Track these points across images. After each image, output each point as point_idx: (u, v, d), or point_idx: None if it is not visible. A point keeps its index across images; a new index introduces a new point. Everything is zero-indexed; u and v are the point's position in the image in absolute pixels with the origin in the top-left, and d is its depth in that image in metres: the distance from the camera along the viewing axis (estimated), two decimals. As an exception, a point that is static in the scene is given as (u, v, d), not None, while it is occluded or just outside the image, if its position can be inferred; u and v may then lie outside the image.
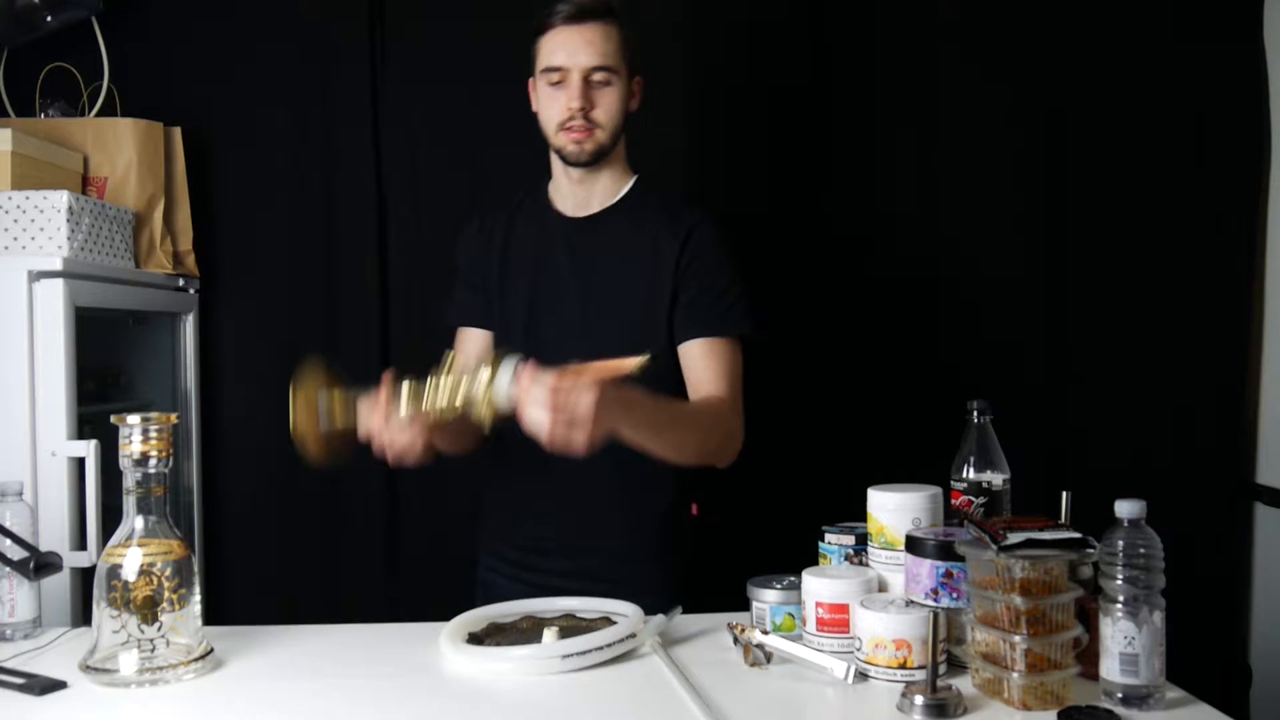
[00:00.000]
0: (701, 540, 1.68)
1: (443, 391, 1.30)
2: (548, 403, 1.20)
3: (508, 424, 1.33)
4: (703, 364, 1.56)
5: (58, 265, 1.71)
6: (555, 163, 1.65)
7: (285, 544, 2.24)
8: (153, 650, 1.23)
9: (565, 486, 1.57)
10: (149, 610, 1.22)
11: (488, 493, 1.73)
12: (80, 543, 1.68)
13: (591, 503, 1.59)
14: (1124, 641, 1.11)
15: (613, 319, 1.61)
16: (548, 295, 1.64)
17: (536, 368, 1.24)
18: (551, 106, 1.58)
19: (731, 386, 1.55)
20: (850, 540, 1.38)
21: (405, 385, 1.32)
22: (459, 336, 1.71)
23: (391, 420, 1.33)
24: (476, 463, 1.79)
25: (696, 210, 1.65)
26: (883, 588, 1.30)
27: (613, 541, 1.59)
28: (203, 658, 1.26)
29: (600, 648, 1.25)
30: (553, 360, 1.55)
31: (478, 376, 1.29)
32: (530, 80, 1.63)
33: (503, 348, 1.45)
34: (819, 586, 1.27)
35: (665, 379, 1.66)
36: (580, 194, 1.65)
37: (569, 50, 1.54)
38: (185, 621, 1.26)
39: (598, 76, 1.55)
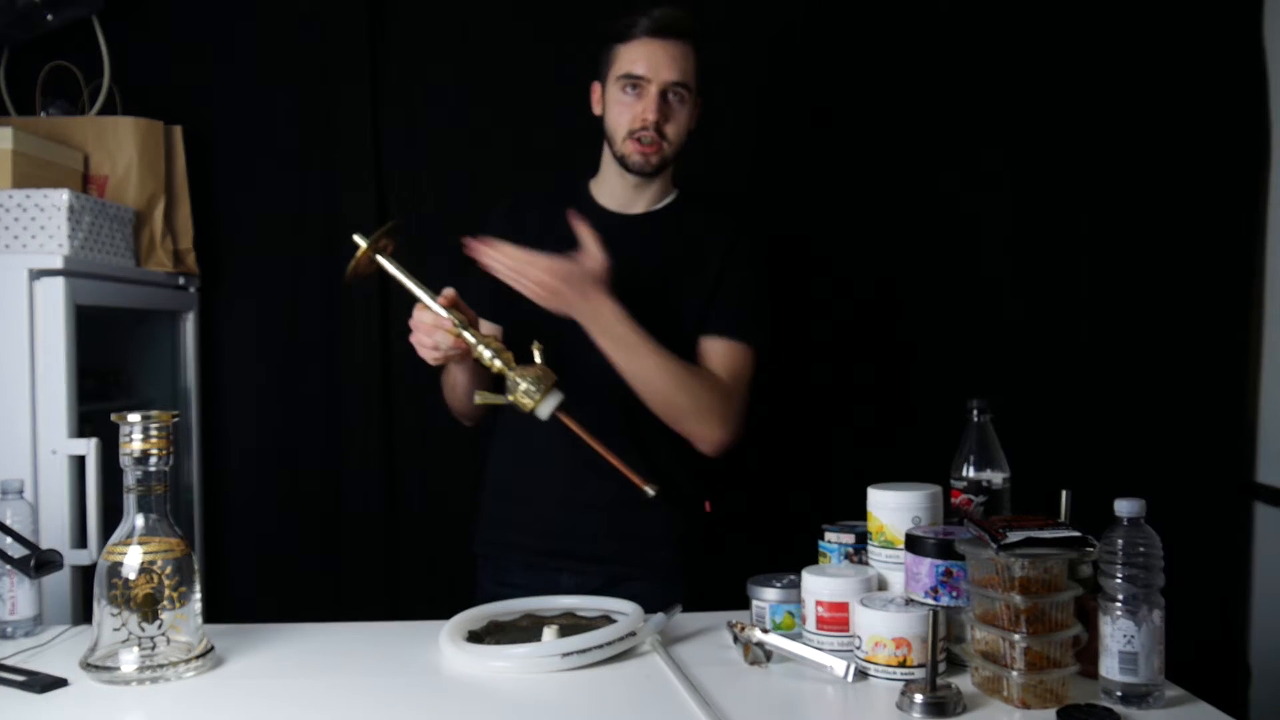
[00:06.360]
0: (708, 537, 1.69)
1: (493, 354, 1.43)
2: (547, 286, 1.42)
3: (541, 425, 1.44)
4: (714, 358, 1.62)
5: (58, 264, 1.71)
6: (608, 162, 1.67)
7: (285, 542, 2.24)
8: (153, 648, 1.23)
9: (596, 485, 1.59)
10: (149, 608, 1.23)
11: (505, 493, 1.71)
12: (81, 541, 1.68)
13: (618, 500, 1.59)
14: (1123, 640, 1.11)
15: (647, 321, 1.61)
16: None
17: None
18: (624, 114, 1.60)
19: (735, 381, 1.61)
20: (850, 539, 1.38)
21: (465, 326, 1.44)
22: None
23: (438, 328, 1.44)
24: (476, 463, 1.80)
25: (740, 220, 1.71)
26: (882, 586, 1.30)
27: (643, 535, 1.62)
28: (203, 655, 1.27)
29: (600, 646, 1.25)
30: (583, 354, 1.54)
31: (523, 382, 1.41)
32: (595, 85, 1.66)
33: (547, 371, 1.44)
34: (819, 585, 1.27)
35: None
36: (630, 194, 1.67)
37: (652, 62, 1.57)
38: (186, 619, 1.26)
39: (675, 93, 1.58)
